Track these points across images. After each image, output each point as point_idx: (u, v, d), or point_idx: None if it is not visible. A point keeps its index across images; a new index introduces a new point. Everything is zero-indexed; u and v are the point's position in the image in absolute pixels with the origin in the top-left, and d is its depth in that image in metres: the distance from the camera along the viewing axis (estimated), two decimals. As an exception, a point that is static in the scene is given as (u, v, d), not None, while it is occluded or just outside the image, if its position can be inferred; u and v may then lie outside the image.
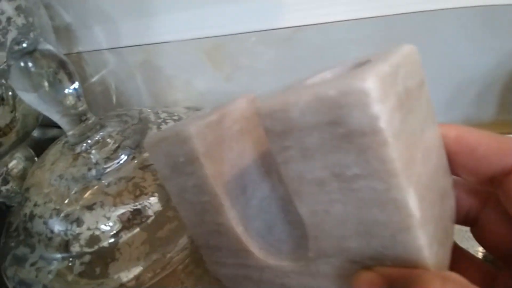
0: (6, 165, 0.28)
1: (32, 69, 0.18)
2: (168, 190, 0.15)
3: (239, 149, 0.14)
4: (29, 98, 0.19)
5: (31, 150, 0.30)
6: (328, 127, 0.09)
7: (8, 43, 0.21)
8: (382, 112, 0.09)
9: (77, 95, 0.20)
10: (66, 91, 0.19)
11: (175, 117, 0.26)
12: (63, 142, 0.25)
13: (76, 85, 0.20)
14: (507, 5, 0.19)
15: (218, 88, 0.29)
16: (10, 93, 0.22)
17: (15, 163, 0.28)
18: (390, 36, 0.22)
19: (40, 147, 0.30)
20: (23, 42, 0.18)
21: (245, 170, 0.15)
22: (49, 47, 0.19)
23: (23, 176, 0.29)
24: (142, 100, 0.34)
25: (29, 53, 0.18)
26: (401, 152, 0.09)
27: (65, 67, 0.19)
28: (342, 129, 0.09)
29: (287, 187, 0.12)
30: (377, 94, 0.08)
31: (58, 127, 0.22)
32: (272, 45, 0.25)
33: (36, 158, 0.31)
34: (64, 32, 0.31)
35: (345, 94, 0.09)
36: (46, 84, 0.19)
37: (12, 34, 0.21)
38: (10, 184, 0.28)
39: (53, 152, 0.24)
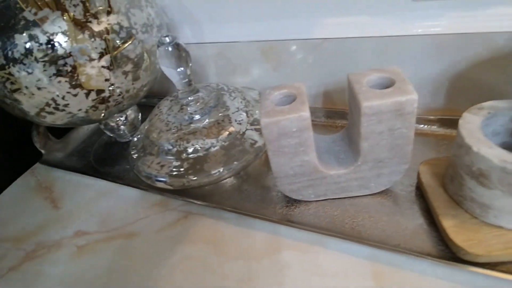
0: (126, 113, 0.43)
1: (172, 53, 0.33)
2: (270, 147, 0.26)
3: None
4: (167, 69, 0.34)
5: (137, 107, 0.45)
6: (394, 112, 0.24)
7: (153, 35, 0.36)
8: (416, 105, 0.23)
9: (190, 69, 0.35)
10: (186, 67, 0.34)
11: (239, 90, 0.40)
12: (169, 99, 0.39)
13: (190, 63, 0.34)
14: (452, 34, 0.32)
15: (267, 75, 0.43)
16: (148, 65, 0.36)
17: (130, 113, 0.44)
18: (383, 50, 0.35)
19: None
20: (169, 37, 0.33)
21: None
22: (180, 42, 0.33)
23: (132, 123, 0.44)
24: (210, 79, 0.48)
25: (171, 44, 0.33)
26: None
27: (186, 53, 0.34)
28: (400, 114, 0.24)
29: (360, 136, 0.26)
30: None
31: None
32: (307, 49, 0.39)
33: (140, 113, 0.46)
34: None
35: (410, 100, 0.23)
36: (178, 62, 0.33)
37: (154, 30, 0.36)
38: (126, 126, 0.44)
39: (164, 105, 0.39)
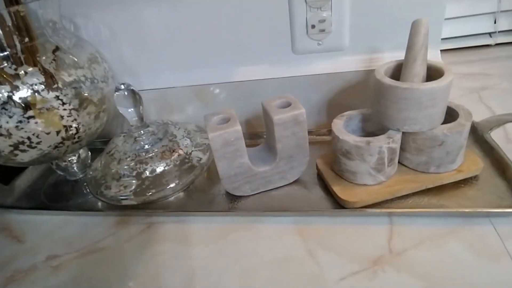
0: (79, 152, 0.49)
1: (128, 96, 0.42)
2: (216, 154, 0.38)
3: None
4: (124, 109, 0.42)
5: (87, 147, 0.51)
6: (293, 121, 0.37)
7: (109, 84, 0.44)
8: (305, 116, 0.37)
9: (142, 109, 0.44)
10: (140, 107, 0.43)
11: (181, 125, 0.50)
12: (122, 136, 0.47)
13: (142, 104, 0.44)
14: (323, 74, 0.49)
15: (200, 111, 0.54)
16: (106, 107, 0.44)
17: (82, 152, 0.49)
18: (281, 86, 0.50)
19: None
20: (124, 84, 0.42)
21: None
22: (134, 88, 0.43)
23: (83, 162, 0.50)
24: (152, 118, 0.57)
25: (126, 89, 0.42)
26: None
27: (139, 96, 0.43)
28: (297, 122, 0.37)
29: (275, 140, 0.38)
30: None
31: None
32: (229, 89, 0.52)
33: (89, 152, 0.52)
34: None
35: (301, 113, 0.37)
36: (133, 103, 0.43)
37: (110, 80, 0.45)
38: (78, 164, 0.49)
39: (118, 140, 0.46)
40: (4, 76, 0.34)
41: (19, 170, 0.54)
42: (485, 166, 0.39)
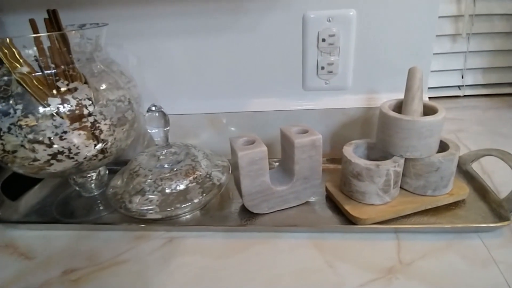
0: (99, 170, 0.50)
1: (158, 117, 0.46)
2: (241, 172, 0.42)
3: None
4: (153, 129, 0.46)
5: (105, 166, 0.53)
6: (311, 145, 0.42)
7: (140, 105, 0.48)
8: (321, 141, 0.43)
9: (168, 130, 0.48)
10: (167, 128, 0.47)
11: (198, 148, 0.54)
12: (144, 154, 0.50)
13: (169, 125, 0.48)
14: (326, 108, 0.56)
15: (213, 137, 0.59)
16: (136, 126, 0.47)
17: (102, 169, 0.51)
18: (290, 117, 0.56)
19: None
20: (155, 106, 0.46)
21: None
22: (163, 109, 0.47)
23: (101, 179, 0.52)
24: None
25: (157, 111, 0.46)
26: None
27: (167, 117, 0.47)
28: (314, 146, 0.43)
29: (294, 162, 0.43)
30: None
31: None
32: (242, 118, 0.57)
33: (107, 171, 0.53)
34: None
35: (318, 138, 0.42)
36: (161, 124, 0.46)
37: (141, 101, 0.48)
38: (97, 181, 0.50)
39: (141, 158, 0.49)
40: (56, 90, 0.37)
41: (27, 186, 0.54)
42: (469, 191, 0.46)
